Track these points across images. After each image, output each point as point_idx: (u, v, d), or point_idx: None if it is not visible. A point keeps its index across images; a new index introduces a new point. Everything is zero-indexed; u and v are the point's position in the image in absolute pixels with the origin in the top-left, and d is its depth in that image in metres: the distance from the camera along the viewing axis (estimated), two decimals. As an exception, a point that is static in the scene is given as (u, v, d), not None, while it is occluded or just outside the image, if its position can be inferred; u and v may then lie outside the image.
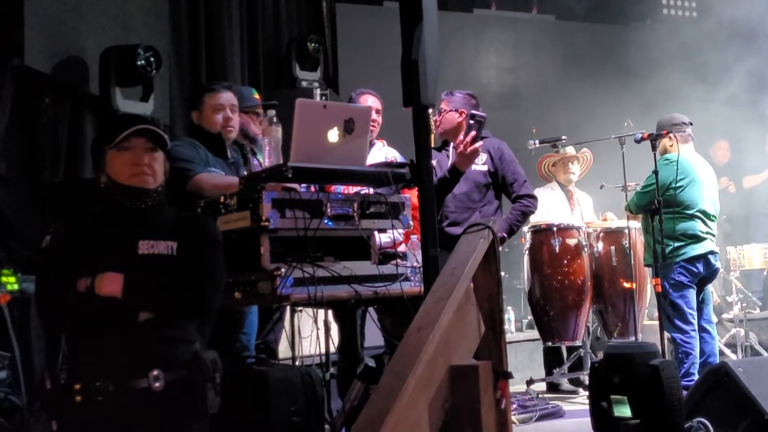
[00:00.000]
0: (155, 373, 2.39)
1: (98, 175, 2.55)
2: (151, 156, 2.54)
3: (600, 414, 3.67)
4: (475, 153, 4.14)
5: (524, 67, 8.75)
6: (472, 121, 4.15)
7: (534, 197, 4.87)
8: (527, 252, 5.75)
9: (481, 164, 4.68)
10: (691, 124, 5.43)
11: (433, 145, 4.73)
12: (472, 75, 8.28)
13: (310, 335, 3.93)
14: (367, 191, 3.67)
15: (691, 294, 5.20)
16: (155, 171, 2.55)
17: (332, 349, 3.79)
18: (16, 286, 3.74)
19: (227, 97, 3.96)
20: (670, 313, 5.16)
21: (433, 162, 4.56)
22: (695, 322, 5.19)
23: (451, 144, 4.65)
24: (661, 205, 4.84)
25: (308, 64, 6.60)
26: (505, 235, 4.67)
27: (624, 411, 3.56)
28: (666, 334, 4.95)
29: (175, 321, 2.50)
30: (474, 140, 4.09)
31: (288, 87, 6.53)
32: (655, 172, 4.93)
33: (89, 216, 2.58)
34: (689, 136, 5.40)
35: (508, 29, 8.87)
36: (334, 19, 7.35)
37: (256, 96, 4.47)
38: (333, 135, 3.09)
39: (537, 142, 5.85)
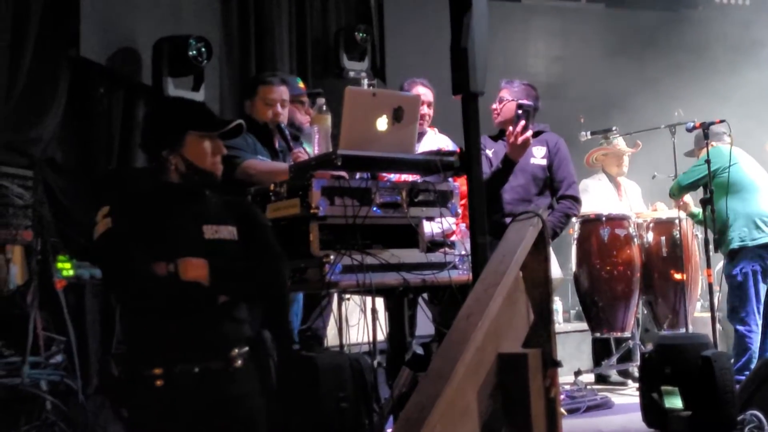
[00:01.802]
0: (234, 352, 2.46)
1: (166, 155, 2.51)
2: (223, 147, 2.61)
3: (651, 405, 3.64)
4: (526, 142, 4.16)
5: (573, 56, 8.63)
6: (520, 111, 4.16)
7: (578, 200, 4.80)
8: (575, 242, 5.70)
9: (540, 158, 4.67)
10: (729, 134, 5.32)
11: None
12: (519, 64, 8.19)
13: (357, 323, 3.95)
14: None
15: (762, 286, 5.12)
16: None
17: (381, 338, 3.81)
18: (71, 272, 3.83)
19: (280, 92, 4.00)
20: (736, 304, 5.08)
21: (489, 152, 4.59)
22: (760, 316, 5.10)
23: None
24: (713, 195, 4.77)
25: (356, 53, 6.60)
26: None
27: (675, 402, 3.53)
28: (719, 327, 4.87)
29: (241, 302, 2.55)
30: (523, 130, 4.11)
31: (335, 77, 6.53)
32: (708, 161, 4.86)
33: (146, 199, 2.57)
34: (727, 143, 5.32)
35: (557, 18, 8.76)
36: (381, 9, 7.33)
37: (301, 85, 4.51)
38: (382, 123, 3.10)
39: (589, 133, 5.81)
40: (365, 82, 6.43)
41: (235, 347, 2.47)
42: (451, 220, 3.34)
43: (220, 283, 2.43)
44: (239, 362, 2.47)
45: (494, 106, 4.73)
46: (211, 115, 2.68)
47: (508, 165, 4.29)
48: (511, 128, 4.20)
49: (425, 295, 3.67)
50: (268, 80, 4.06)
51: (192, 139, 2.53)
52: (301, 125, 4.32)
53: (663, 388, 3.58)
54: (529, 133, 4.15)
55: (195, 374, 2.39)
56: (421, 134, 4.50)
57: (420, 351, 3.19)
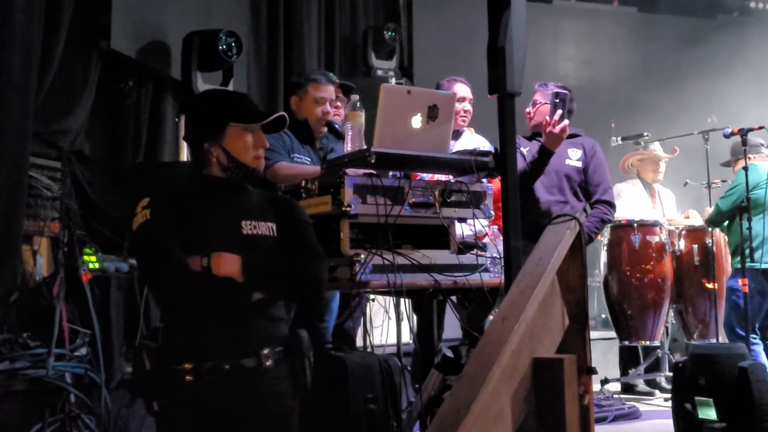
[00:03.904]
0: (266, 351, 2.41)
1: (207, 147, 2.46)
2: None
3: (683, 415, 3.57)
4: (564, 131, 4.10)
5: (603, 59, 8.57)
6: (557, 100, 4.10)
7: (613, 205, 4.70)
8: (605, 248, 5.62)
9: (575, 160, 4.59)
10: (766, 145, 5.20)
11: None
12: (550, 66, 8.13)
13: (381, 325, 3.90)
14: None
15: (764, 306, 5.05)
16: None
17: (407, 340, 3.75)
18: (97, 265, 3.81)
19: (330, 91, 3.99)
20: (732, 317, 5.02)
21: (524, 150, 4.52)
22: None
23: None
24: (750, 203, 4.68)
25: (384, 52, 6.58)
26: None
27: (709, 413, 3.46)
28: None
29: (277, 300, 2.50)
30: (561, 118, 4.06)
31: (363, 75, 6.52)
32: (745, 168, 4.76)
33: (187, 191, 2.52)
34: (764, 155, 5.20)
35: (588, 21, 8.70)
36: (410, 8, 7.31)
37: (334, 79, 4.46)
38: (416, 121, 3.05)
39: (620, 139, 5.74)
40: (393, 81, 6.42)
41: (267, 346, 2.42)
42: (483, 222, 3.28)
43: (253, 279, 2.38)
44: (271, 361, 2.41)
45: (528, 109, 4.66)
46: (253, 106, 2.61)
47: (544, 155, 4.21)
48: (547, 118, 4.14)
49: (453, 298, 3.62)
50: (319, 79, 4.03)
51: (233, 131, 2.47)
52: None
53: (697, 398, 3.51)
54: (566, 122, 4.09)
55: (225, 371, 2.35)
56: (458, 133, 4.45)
57: (449, 354, 3.13)
